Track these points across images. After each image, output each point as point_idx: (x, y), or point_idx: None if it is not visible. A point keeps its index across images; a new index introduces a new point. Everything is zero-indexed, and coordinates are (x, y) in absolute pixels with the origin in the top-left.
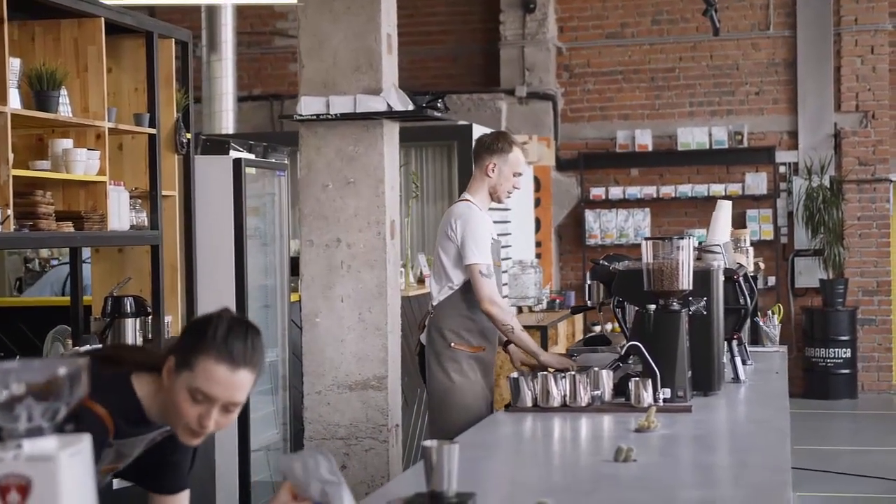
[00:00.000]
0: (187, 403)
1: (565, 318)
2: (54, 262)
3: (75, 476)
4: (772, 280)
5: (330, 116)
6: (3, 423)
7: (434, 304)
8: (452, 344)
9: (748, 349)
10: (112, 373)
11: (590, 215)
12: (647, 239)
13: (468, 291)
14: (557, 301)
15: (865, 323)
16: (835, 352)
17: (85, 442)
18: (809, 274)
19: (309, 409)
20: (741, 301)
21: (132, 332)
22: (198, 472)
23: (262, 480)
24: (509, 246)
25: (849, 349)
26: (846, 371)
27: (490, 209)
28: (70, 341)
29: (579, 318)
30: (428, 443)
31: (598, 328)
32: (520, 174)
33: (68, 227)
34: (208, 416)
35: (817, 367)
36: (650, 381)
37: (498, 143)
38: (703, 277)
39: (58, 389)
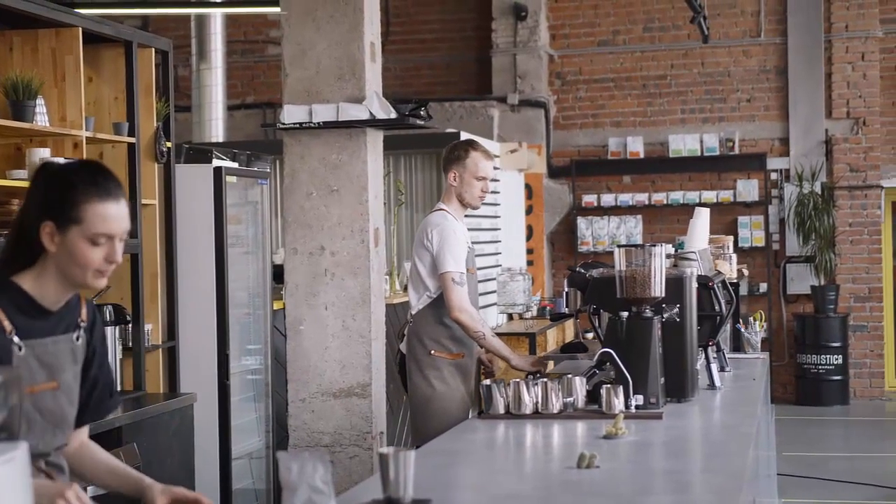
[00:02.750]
0: (89, 251)
1: (554, 326)
2: None
3: (7, 484)
4: (763, 286)
5: (313, 125)
6: None
7: (413, 312)
8: (432, 352)
9: (727, 356)
10: None
11: (582, 222)
12: (619, 246)
13: None
14: (548, 308)
15: (857, 329)
16: (826, 358)
17: (20, 450)
18: (801, 280)
19: (293, 417)
20: (716, 308)
21: (112, 340)
22: (178, 478)
23: (245, 488)
24: (499, 253)
25: (840, 356)
26: (838, 377)
27: (477, 216)
28: None
29: (570, 324)
30: (384, 450)
31: (590, 335)
32: (483, 178)
33: None
34: (113, 252)
35: (809, 374)
36: (622, 387)
37: (454, 151)
38: (676, 284)
39: None
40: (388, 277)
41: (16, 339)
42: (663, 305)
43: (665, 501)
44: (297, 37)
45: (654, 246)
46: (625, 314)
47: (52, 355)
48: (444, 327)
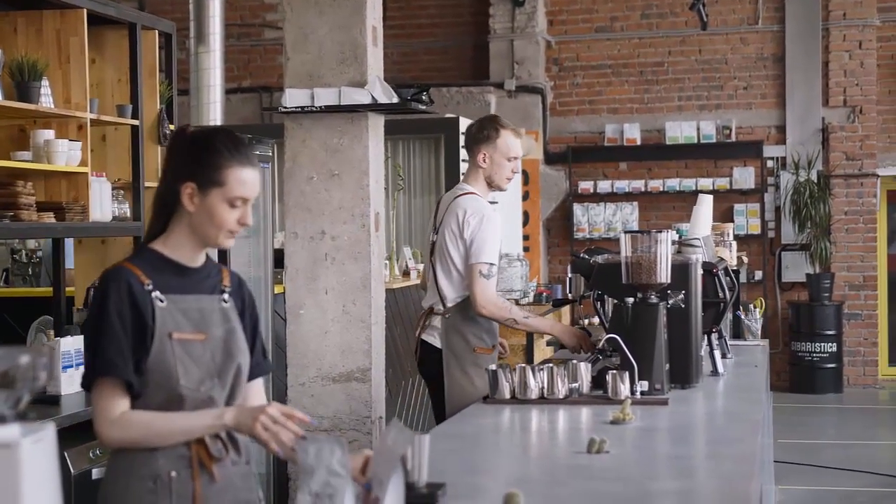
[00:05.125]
0: (227, 213)
1: (551, 312)
2: (40, 254)
3: (38, 463)
4: (759, 274)
5: (315, 109)
6: None
7: (448, 305)
8: (476, 349)
9: (729, 343)
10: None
11: (578, 209)
12: (626, 232)
13: None
14: (545, 294)
15: (851, 317)
16: (821, 346)
17: (49, 430)
18: (796, 268)
19: (292, 401)
20: (720, 294)
21: None
22: None
23: None
24: None
25: (835, 343)
26: (832, 365)
27: None
28: (52, 332)
29: (567, 311)
30: None
31: (585, 321)
32: (514, 158)
33: (49, 218)
34: (246, 215)
35: (803, 362)
36: (627, 373)
37: (484, 130)
38: (681, 271)
39: (19, 377)
40: (387, 263)
41: (156, 293)
42: (668, 292)
43: (677, 486)
44: (298, 20)
45: (660, 232)
46: (630, 300)
47: (198, 311)
48: (484, 319)
